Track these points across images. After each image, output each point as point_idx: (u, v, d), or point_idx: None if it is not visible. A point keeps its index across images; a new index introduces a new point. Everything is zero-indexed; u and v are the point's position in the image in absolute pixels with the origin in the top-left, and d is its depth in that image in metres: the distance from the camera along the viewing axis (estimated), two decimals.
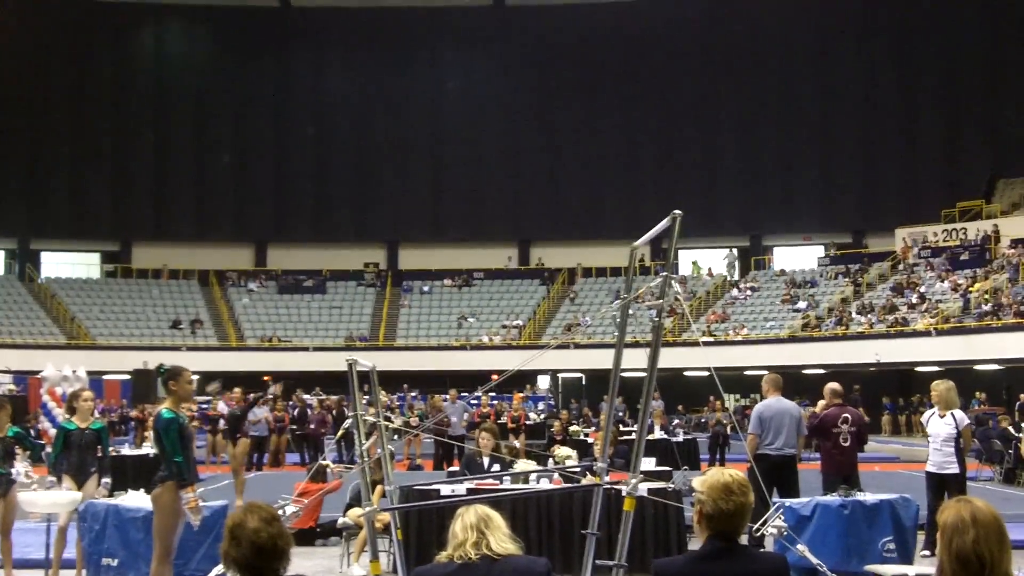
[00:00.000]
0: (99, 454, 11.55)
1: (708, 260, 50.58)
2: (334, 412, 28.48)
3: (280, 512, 6.61)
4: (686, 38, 50.05)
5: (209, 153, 51.99)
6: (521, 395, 32.56)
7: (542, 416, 34.88)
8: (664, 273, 7.12)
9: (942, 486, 11.86)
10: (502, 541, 4.65)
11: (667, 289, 7.14)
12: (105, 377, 39.95)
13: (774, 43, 49.65)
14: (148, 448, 21.35)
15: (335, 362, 7.99)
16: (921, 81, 48.87)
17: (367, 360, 8.04)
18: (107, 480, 11.48)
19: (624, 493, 7.04)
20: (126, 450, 20.62)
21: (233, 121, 52.25)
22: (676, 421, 31.79)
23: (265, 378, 40.51)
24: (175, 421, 8.53)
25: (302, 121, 52.21)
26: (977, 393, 34.76)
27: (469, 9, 50.90)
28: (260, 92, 52.30)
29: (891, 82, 49.21)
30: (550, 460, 14.00)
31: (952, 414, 12.20)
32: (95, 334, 44.52)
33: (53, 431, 17.98)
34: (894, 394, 41.02)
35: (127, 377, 39.99)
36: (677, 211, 7.10)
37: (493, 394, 37.26)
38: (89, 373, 32.24)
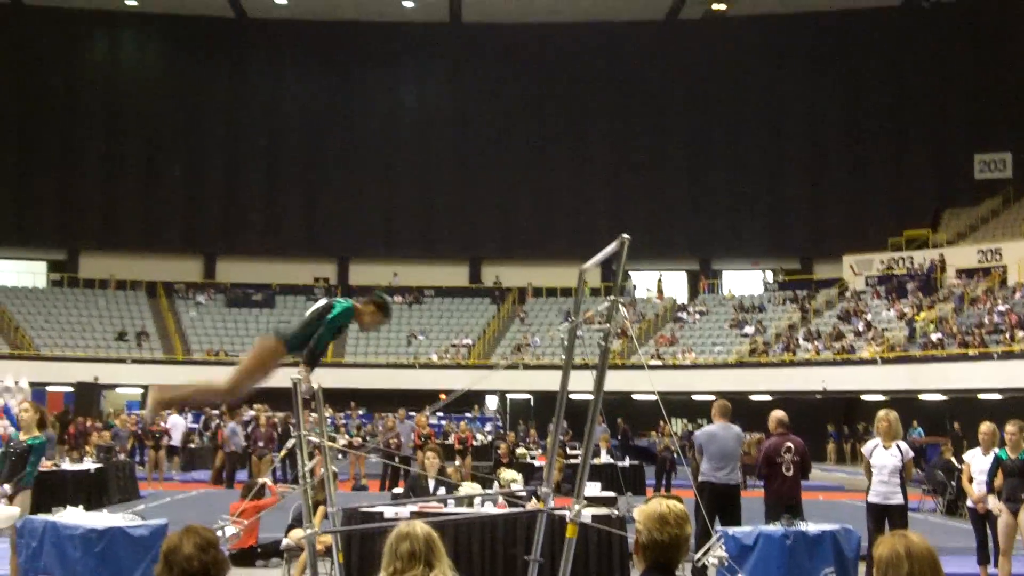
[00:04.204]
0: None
1: (657, 283, 50.83)
2: (279, 430, 28.24)
3: (219, 533, 6.53)
4: (638, 63, 50.32)
5: (159, 163, 51.47)
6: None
7: (489, 437, 34.81)
8: (612, 297, 7.11)
9: (883, 516, 11.91)
10: (444, 574, 4.54)
11: (614, 314, 7.12)
12: (48, 388, 39.43)
13: (724, 71, 49.99)
14: (89, 463, 21.08)
15: (282, 378, 7.87)
16: (868, 110, 49.40)
17: (314, 377, 7.95)
18: (6, 487, 11.07)
19: (567, 519, 7.00)
20: (67, 465, 20.28)
21: (184, 131, 51.77)
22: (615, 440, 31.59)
23: None
24: (342, 320, 8.01)
25: (255, 133, 51.91)
26: (915, 423, 34.94)
27: (425, 24, 50.90)
28: (213, 103, 51.92)
29: (839, 111, 49.69)
30: (495, 483, 13.95)
31: (897, 445, 12.24)
32: (39, 344, 43.94)
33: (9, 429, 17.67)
34: (839, 422, 41.32)
35: (70, 389, 39.48)
36: (625, 235, 7.09)
37: (441, 414, 37.17)
38: (32, 384, 31.77)
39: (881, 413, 12.58)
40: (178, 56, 52.18)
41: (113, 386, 41.62)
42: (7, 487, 11.05)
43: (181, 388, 8.42)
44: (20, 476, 11.13)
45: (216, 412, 33.36)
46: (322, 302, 8.24)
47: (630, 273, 50.30)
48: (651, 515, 4.48)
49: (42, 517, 10.92)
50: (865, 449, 12.76)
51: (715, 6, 48.35)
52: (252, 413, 28.54)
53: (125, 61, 52.54)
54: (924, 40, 47.62)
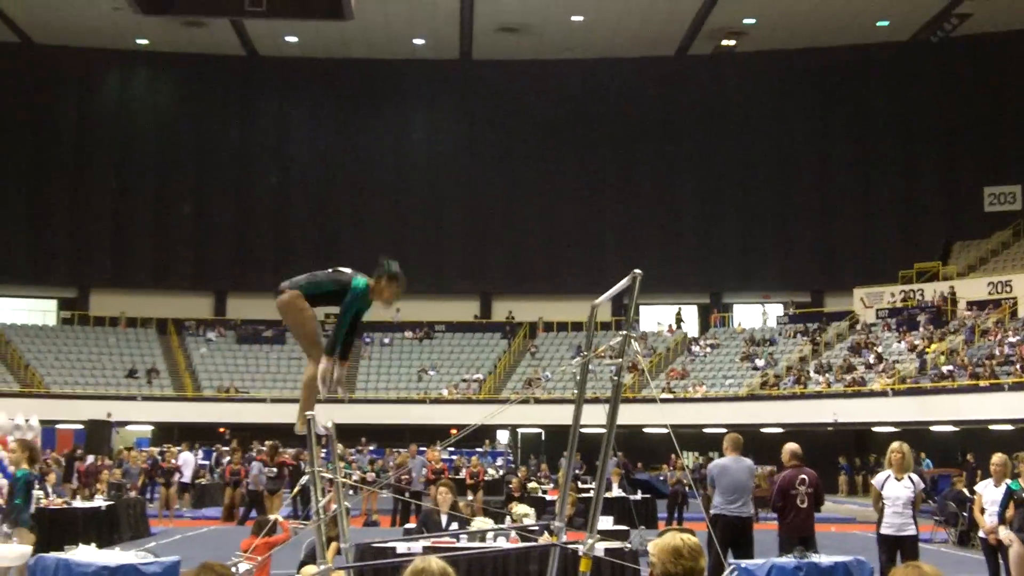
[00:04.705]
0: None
1: (668, 316, 50.71)
2: (290, 466, 28.18)
3: (233, 570, 6.55)
4: (649, 99, 50.50)
5: (170, 200, 51.59)
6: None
7: (500, 472, 34.74)
8: (624, 332, 7.11)
9: (896, 548, 11.88)
10: None
11: (626, 348, 7.13)
12: (58, 426, 39.42)
13: (734, 106, 50.10)
14: (100, 501, 21.08)
15: (293, 414, 7.88)
16: (878, 144, 49.42)
17: (325, 412, 7.96)
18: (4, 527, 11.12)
19: (580, 553, 7.00)
20: (78, 503, 20.29)
21: (195, 169, 51.96)
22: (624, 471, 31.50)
23: (220, 430, 40.38)
24: (357, 306, 7.93)
25: (265, 170, 52.13)
26: (923, 454, 34.76)
27: (436, 62, 51.12)
28: (224, 140, 52.17)
29: (848, 145, 49.72)
30: (507, 517, 13.93)
31: (910, 476, 12.25)
32: (49, 382, 43.98)
33: (3, 481, 17.69)
34: (850, 454, 41.17)
35: (80, 427, 39.47)
36: (637, 270, 7.09)
37: (452, 449, 37.16)
38: (42, 422, 31.73)
39: (895, 445, 12.58)
40: (189, 94, 52.42)
41: (124, 423, 41.64)
42: (6, 527, 11.06)
43: (304, 399, 8.21)
44: (11, 511, 11.14)
45: (227, 448, 33.37)
46: (346, 274, 8.17)
47: (640, 307, 50.26)
48: (665, 548, 4.50)
49: (54, 555, 10.92)
50: (875, 481, 12.73)
51: (725, 42, 48.49)
52: (264, 449, 28.49)
53: (136, 99, 52.76)
54: (933, 74, 47.70)
